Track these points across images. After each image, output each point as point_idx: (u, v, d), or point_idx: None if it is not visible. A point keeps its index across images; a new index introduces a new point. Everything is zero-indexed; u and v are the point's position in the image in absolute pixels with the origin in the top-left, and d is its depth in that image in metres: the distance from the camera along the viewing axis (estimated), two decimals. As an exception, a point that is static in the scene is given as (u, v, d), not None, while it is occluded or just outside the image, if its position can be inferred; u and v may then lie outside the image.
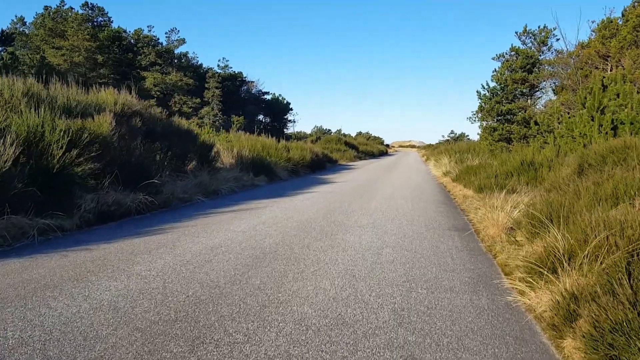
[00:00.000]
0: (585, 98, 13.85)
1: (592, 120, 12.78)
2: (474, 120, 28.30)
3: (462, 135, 71.05)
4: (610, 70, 18.48)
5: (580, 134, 13.34)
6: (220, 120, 47.90)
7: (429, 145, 76.73)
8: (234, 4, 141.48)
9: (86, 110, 7.99)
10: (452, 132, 76.81)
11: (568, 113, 18.18)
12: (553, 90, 21.96)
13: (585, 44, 21.37)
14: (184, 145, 11.37)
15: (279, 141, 21.49)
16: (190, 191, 9.30)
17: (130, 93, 9.60)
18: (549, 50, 24.11)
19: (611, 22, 19.31)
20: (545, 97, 24.71)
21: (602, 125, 12.31)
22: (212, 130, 29.30)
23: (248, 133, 21.26)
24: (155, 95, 45.97)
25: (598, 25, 19.52)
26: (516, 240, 5.84)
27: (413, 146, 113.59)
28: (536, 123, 19.76)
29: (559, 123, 18.60)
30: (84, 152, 6.83)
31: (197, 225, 6.49)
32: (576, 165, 9.04)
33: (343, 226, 6.76)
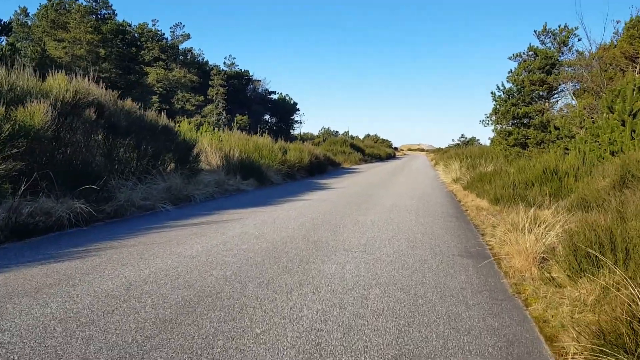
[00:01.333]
0: (613, 101, 12.32)
1: (623, 125, 11.24)
2: (487, 124, 26.79)
3: (473, 139, 69.38)
4: (639, 73, 16.91)
5: (610, 140, 11.79)
6: (224, 119, 46.55)
7: (439, 149, 74.98)
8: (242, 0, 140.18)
9: (24, 98, 6.59)
10: (462, 136, 75.26)
11: (591, 118, 16.66)
12: (573, 93, 20.32)
13: (607, 46, 19.76)
14: (159, 144, 9.97)
15: (276, 142, 20.09)
16: (154, 197, 7.88)
17: (89, 80, 8.19)
18: (569, 51, 22.54)
19: (640, 20, 17.69)
20: (563, 100, 23.13)
21: (634, 131, 10.77)
22: (211, 128, 27.98)
23: (244, 132, 19.85)
24: (158, 92, 44.77)
25: (626, 24, 17.91)
26: (552, 278, 4.36)
27: (422, 150, 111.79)
28: (556, 128, 18.22)
29: (582, 128, 17.08)
30: (4, 148, 5.43)
31: (137, 246, 5.05)
32: (617, 176, 7.52)
33: (326, 249, 5.30)
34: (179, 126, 24.33)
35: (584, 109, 17.14)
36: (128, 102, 9.66)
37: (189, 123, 32.08)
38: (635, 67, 17.93)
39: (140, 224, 6.35)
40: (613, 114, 11.71)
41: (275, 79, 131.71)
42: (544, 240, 5.08)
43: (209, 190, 9.63)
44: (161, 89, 44.65)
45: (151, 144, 9.69)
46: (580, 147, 12.85)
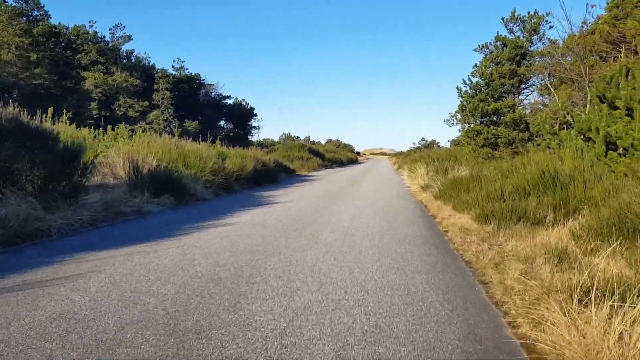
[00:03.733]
0: (605, 89, 9.97)
1: (629, 115, 8.94)
2: (453, 123, 24.51)
3: (433, 142, 68.05)
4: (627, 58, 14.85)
5: (616, 134, 9.40)
6: (173, 126, 43.02)
7: (400, 153, 73.76)
8: (190, 3, 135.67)
9: None
10: (422, 139, 73.90)
11: (573, 111, 14.54)
12: (548, 85, 18.15)
13: (579, 35, 17.68)
14: (15, 153, 7.01)
15: (220, 147, 17.24)
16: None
17: None
18: (540, 40, 20.53)
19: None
20: (534, 95, 21.15)
21: (649, 121, 8.46)
22: (148, 133, 24.85)
23: (176, 137, 16.84)
24: (97, 98, 40.88)
25: (608, 3, 15.87)
26: None
27: (384, 154, 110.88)
28: (535, 125, 16.03)
29: (565, 123, 14.92)
30: None
31: None
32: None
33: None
34: (107, 133, 21.10)
35: (568, 100, 15.00)
36: None
37: (130, 130, 28.74)
38: (619, 52, 15.79)
39: None
40: (607, 104, 9.42)
41: (232, 85, 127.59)
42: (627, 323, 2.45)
43: (84, 218, 6.69)
44: (100, 95, 40.77)
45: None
46: (575, 145, 10.50)
